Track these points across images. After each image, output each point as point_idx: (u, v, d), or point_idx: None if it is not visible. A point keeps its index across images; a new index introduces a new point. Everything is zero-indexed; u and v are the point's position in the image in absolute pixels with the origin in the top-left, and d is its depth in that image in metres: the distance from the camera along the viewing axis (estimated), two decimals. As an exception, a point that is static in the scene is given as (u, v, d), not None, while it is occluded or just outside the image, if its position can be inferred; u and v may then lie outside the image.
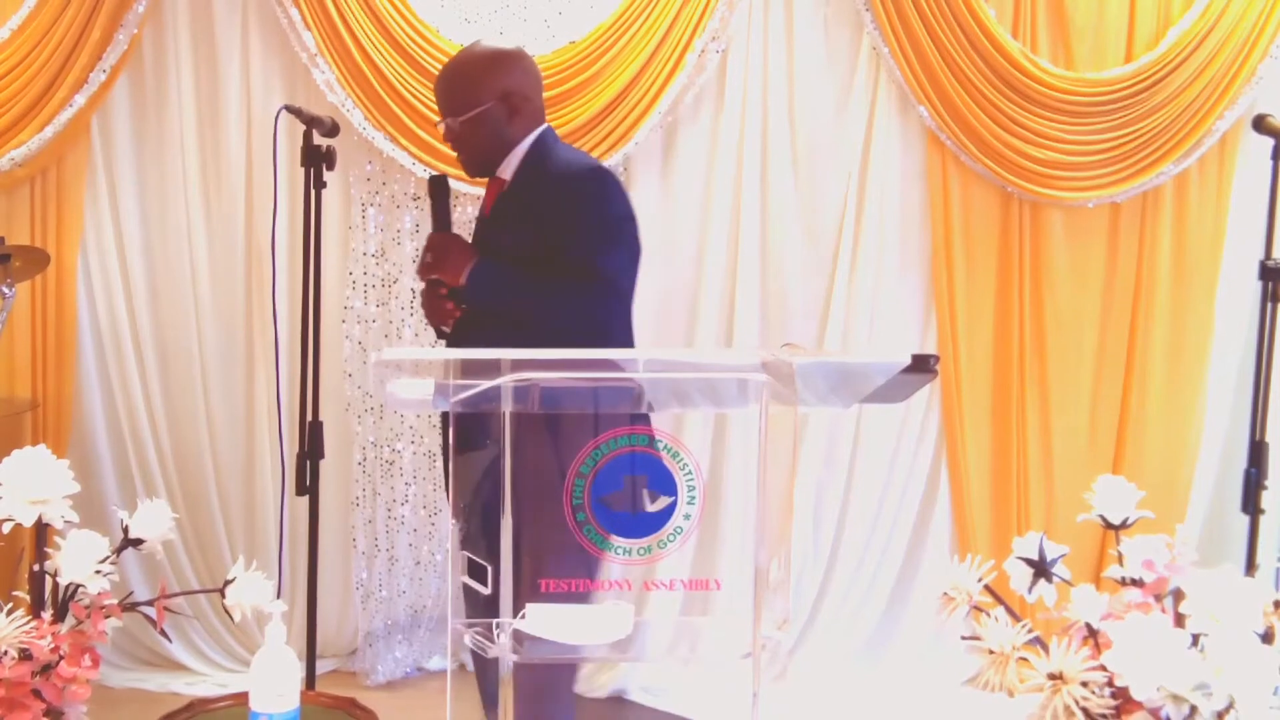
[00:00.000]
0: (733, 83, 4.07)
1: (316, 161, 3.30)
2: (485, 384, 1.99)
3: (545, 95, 3.88)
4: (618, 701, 4.05)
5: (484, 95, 2.81)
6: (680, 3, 3.91)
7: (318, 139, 3.33)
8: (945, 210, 4.14)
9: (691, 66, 3.97)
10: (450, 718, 2.22)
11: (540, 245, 2.71)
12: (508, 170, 2.84)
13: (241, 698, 2.06)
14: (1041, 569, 1.91)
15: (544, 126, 2.89)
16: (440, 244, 2.82)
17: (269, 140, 3.54)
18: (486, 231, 2.90)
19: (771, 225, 4.15)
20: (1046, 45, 4.09)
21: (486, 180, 2.91)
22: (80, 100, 3.83)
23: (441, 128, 2.89)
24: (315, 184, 3.31)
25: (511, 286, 2.74)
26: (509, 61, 2.87)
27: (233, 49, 3.99)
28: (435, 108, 3.84)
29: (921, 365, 2.18)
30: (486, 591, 2.08)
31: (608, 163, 3.97)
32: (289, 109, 3.31)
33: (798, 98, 4.12)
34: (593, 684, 4.05)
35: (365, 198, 4.06)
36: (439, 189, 2.90)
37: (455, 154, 2.91)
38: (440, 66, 3.83)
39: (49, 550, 1.92)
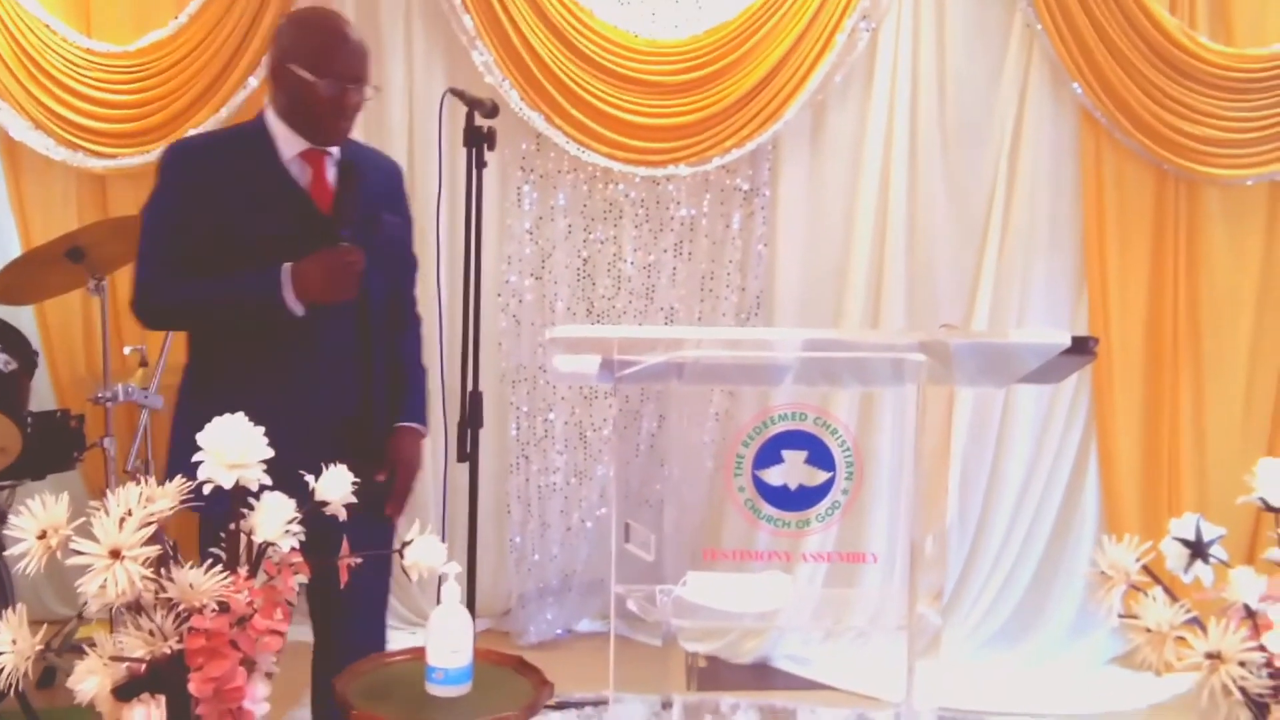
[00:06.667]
0: (882, 61, 4.07)
1: (478, 142, 3.38)
2: (652, 359, 2.08)
3: (697, 75, 3.99)
4: (762, 668, 4.12)
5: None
6: (831, -18, 3.93)
7: (479, 120, 3.43)
8: (1098, 188, 4.09)
9: (841, 46, 3.98)
10: (612, 681, 2.32)
11: (400, 237, 2.87)
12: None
13: (418, 652, 2.17)
14: (1199, 550, 1.92)
15: None
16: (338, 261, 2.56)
17: (431, 120, 3.64)
18: (338, 213, 2.64)
19: (919, 204, 4.14)
20: (1205, 21, 4.00)
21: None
22: (254, 83, 4.03)
23: (329, 89, 2.68)
24: (477, 164, 3.39)
25: None
26: None
27: (396, 32, 4.13)
28: (590, 89, 3.97)
29: (1080, 347, 2.19)
30: (649, 558, 2.17)
31: (757, 141, 4.02)
32: (453, 92, 3.40)
33: (948, 75, 4.10)
34: (738, 650, 4.13)
35: (520, 176, 4.18)
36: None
37: (335, 121, 2.71)
38: (598, 50, 3.95)
39: (243, 511, 2.06)
